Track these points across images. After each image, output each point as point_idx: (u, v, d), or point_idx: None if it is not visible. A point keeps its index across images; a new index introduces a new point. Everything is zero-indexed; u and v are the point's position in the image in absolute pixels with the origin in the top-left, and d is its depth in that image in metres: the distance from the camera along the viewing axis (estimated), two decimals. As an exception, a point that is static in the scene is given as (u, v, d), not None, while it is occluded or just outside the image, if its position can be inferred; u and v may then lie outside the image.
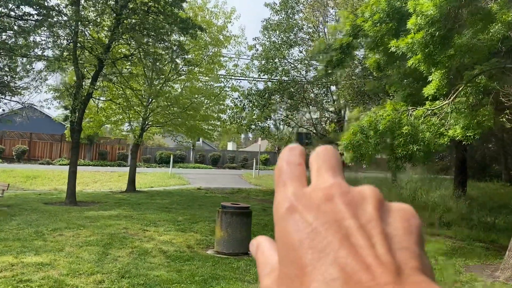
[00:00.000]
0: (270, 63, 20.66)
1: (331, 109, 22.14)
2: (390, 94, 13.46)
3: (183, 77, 14.56)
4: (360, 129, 8.55)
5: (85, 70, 13.17)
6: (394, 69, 11.03)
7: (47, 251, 7.12)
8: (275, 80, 21.17)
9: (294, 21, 21.34)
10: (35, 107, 21.67)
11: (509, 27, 7.74)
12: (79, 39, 12.62)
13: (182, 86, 15.07)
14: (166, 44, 12.19)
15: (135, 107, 15.61)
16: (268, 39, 21.02)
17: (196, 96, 15.37)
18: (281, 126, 21.61)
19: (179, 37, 13.21)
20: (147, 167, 35.90)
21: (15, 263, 6.29)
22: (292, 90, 19.23)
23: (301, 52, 21.20)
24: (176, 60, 12.53)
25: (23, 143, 33.57)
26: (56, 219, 10.15)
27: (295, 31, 21.28)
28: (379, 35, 10.27)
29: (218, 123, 16.84)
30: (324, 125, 22.33)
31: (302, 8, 21.30)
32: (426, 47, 7.37)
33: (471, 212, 12.76)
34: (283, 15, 21.33)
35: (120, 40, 13.12)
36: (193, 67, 14.59)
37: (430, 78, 8.51)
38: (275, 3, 21.02)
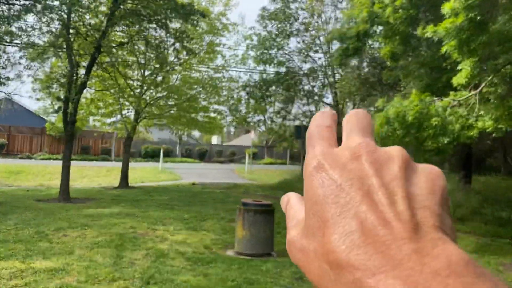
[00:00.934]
0: (265, 54, 20.11)
1: (328, 101, 21.74)
2: (402, 85, 13.08)
3: (180, 67, 13.79)
4: (387, 121, 8.08)
5: (79, 57, 12.33)
6: (411, 58, 10.60)
7: (55, 254, 6.42)
8: (271, 72, 20.64)
9: (290, 11, 20.79)
10: (15, 99, 20.57)
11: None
12: (73, 24, 11.78)
13: (179, 76, 14.30)
14: (168, 30, 11.44)
15: (130, 98, 14.82)
16: (265, 29, 20.44)
17: (195, 86, 14.64)
18: (277, 119, 21.09)
19: (181, 24, 12.45)
20: (131, 161, 34.93)
21: (24, 269, 5.59)
22: (292, 82, 18.70)
23: (298, 43, 20.67)
24: (178, 47, 11.78)
25: (1, 136, 32.16)
26: (55, 217, 9.39)
27: (291, 21, 20.74)
28: (398, 23, 9.82)
29: (216, 115, 16.15)
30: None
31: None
32: (463, 32, 6.91)
33: (481, 207, 12.49)
34: (279, 4, 20.75)
35: (116, 27, 12.31)
36: (191, 57, 13.86)
37: (459, 67, 8.09)
38: (271, -8, 20.42)
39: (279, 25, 20.37)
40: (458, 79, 7.93)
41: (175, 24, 12.39)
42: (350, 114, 0.38)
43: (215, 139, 56.57)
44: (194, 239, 8.00)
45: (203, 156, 40.46)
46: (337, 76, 20.58)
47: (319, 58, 20.72)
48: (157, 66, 11.58)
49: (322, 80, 20.91)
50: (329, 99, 21.69)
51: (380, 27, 11.09)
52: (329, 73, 20.13)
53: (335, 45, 19.19)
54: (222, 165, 36.28)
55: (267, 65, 20.41)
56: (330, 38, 10.28)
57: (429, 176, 0.32)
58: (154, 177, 21.68)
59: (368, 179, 0.31)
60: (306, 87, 21.00)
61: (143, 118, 16.11)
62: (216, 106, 15.55)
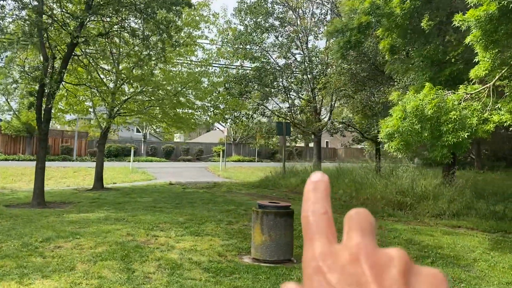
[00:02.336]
0: (242, 49, 19.48)
1: (305, 97, 21.39)
2: (395, 79, 12.85)
3: (164, 60, 12.88)
4: (405, 115, 7.70)
5: (55, 49, 11.22)
6: (414, 51, 10.32)
7: (55, 272, 5.55)
8: (247, 67, 20.03)
9: (266, 6, 20.24)
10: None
11: None
12: (48, 12, 10.69)
13: (162, 70, 13.39)
14: (155, 20, 10.58)
15: (105, 94, 13.76)
16: (241, 23, 19.78)
17: (178, 80, 13.76)
18: (255, 115, 20.51)
19: (164, 15, 11.60)
20: (94, 161, 33.29)
21: (26, 293, 4.73)
22: (271, 77, 18.18)
23: (277, 37, 20.14)
24: (164, 39, 10.92)
25: (-51, 136, 29.78)
26: (37, 226, 8.39)
27: (266, 17, 20.19)
28: (402, 14, 9.50)
29: (199, 112, 15.33)
30: (297, 114, 21.50)
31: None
32: (494, 21, 6.62)
33: (472, 201, 12.48)
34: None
35: (95, 17, 11.30)
36: (175, 49, 13.01)
37: (476, 59, 7.83)
38: (248, -16, 19.77)
39: (255, 20, 19.78)
40: (476, 71, 7.65)
41: (158, 15, 11.50)
42: (351, 212, 0.38)
43: (177, 137, 55.23)
44: (203, 246, 7.30)
45: (170, 154, 39.28)
46: (315, 71, 20.28)
47: (298, 53, 20.36)
48: (143, 57, 10.64)
49: (301, 77, 20.49)
50: (306, 96, 21.36)
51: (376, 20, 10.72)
52: (307, 69, 19.79)
53: (320, 42, 18.86)
54: (191, 163, 35.30)
55: (245, 61, 19.81)
56: (332, 29, 9.75)
57: (432, 281, 0.32)
58: (126, 177, 20.56)
59: (366, 286, 0.30)
60: (283, 83, 20.52)
61: (119, 115, 15.06)
62: (199, 102, 14.75)
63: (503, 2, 6.36)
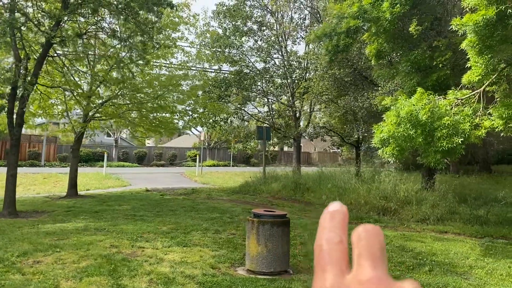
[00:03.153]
0: (220, 52, 19.18)
1: (284, 102, 21.25)
2: (378, 85, 12.81)
3: (145, 63, 12.41)
4: (399, 120, 7.59)
5: (29, 49, 10.61)
6: (400, 56, 10.28)
7: (38, 290, 5.09)
8: (226, 71, 19.75)
9: (245, 10, 20.01)
10: None
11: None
12: (21, 9, 10.09)
13: (139, 73, 12.89)
14: (136, 20, 10.15)
15: (80, 97, 13.16)
16: (220, 26, 19.46)
17: (156, 84, 13.29)
18: (234, 120, 20.19)
19: (145, 16, 11.19)
20: (64, 166, 32.13)
21: (9, 317, 4.27)
22: (251, 81, 17.93)
23: (256, 41, 19.93)
24: (146, 40, 10.49)
25: None
26: (10, 238, 7.81)
27: (245, 21, 19.97)
28: (391, 18, 9.43)
29: (179, 115, 14.87)
30: (276, 118, 21.31)
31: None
32: (491, 27, 6.58)
33: (454, 206, 12.55)
34: (234, 1, 19.90)
35: (73, 16, 10.77)
36: (153, 51, 12.56)
37: (468, 64, 7.82)
38: (227, -13, 19.48)
39: (234, 23, 19.52)
40: (469, 77, 7.63)
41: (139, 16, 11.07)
42: (360, 232, 0.36)
43: (149, 141, 54.19)
44: (194, 258, 6.93)
45: (142, 159, 38.38)
46: (294, 76, 20.17)
47: (277, 58, 20.20)
48: (124, 59, 10.17)
49: (280, 81, 20.34)
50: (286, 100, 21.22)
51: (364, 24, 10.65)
52: (287, 73, 19.65)
53: (299, 46, 18.74)
54: (165, 168, 34.59)
55: (223, 64, 19.51)
56: (320, 33, 9.59)
57: None
58: (100, 183, 19.82)
59: None
60: (262, 87, 20.31)
61: (94, 119, 14.44)
62: (180, 106, 14.31)
63: (501, 7, 6.33)
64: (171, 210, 11.91)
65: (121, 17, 10.51)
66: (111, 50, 13.32)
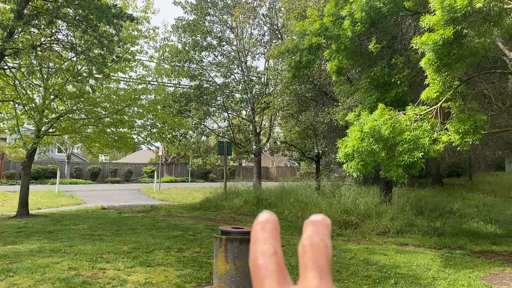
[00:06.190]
0: (179, 67, 19.01)
1: (244, 117, 21.26)
2: (338, 100, 13.08)
3: (104, 76, 12.02)
4: (363, 135, 7.74)
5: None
6: (361, 73, 10.55)
7: (-9, 320, 4.70)
8: (185, 85, 19.57)
9: (205, 25, 20.00)
10: None
11: (508, 32, 7.74)
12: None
13: (96, 87, 12.48)
14: (96, 33, 9.85)
15: (32, 111, 12.58)
16: (179, 40, 19.32)
17: (114, 97, 12.90)
18: (194, 135, 19.95)
19: (105, 28, 10.91)
20: (12, 184, 30.53)
21: None
22: (210, 96, 17.83)
23: (216, 56, 19.90)
24: (106, 54, 10.19)
25: None
26: (-44, 263, 7.23)
27: (205, 36, 19.96)
28: (351, 37, 9.69)
29: (139, 130, 14.45)
30: (235, 133, 21.27)
31: (224, 11, 20.03)
32: (448, 45, 6.88)
33: (412, 218, 12.92)
34: (193, 16, 19.85)
35: (28, 27, 10.35)
36: (113, 64, 12.23)
37: (427, 81, 8.13)
38: (187, 2, 19.42)
39: (194, 38, 19.44)
40: (428, 93, 7.92)
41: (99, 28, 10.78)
42: (305, 243, 0.34)
43: (101, 157, 52.56)
44: (158, 278, 6.68)
45: (96, 176, 37.11)
46: (255, 91, 20.28)
47: (237, 73, 20.24)
48: (82, 72, 9.80)
49: (240, 96, 20.38)
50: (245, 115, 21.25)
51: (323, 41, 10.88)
52: (247, 88, 19.72)
53: (258, 62, 18.88)
54: (121, 185, 33.56)
55: (183, 79, 19.31)
56: (283, 49, 9.70)
57: None
58: (52, 202, 18.92)
59: None
60: (222, 102, 20.26)
61: (47, 135, 13.80)
62: (139, 121, 13.94)
63: (457, 27, 6.64)
64: (130, 229, 11.50)
65: (79, 29, 10.18)
66: (65, 63, 12.86)
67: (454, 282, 6.98)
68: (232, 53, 20.16)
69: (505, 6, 7.06)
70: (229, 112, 21.06)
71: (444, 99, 8.43)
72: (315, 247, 0.34)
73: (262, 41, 21.42)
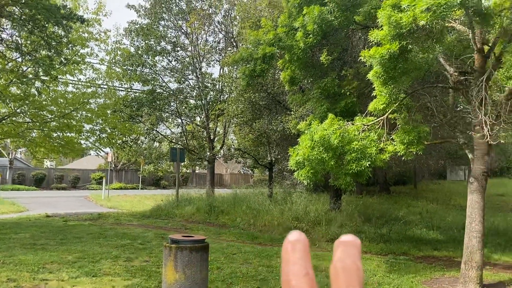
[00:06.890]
0: (131, 71, 18.66)
1: (198, 123, 21.14)
2: (291, 109, 13.29)
3: (50, 78, 11.55)
4: (314, 144, 7.91)
5: None
6: (312, 84, 10.80)
7: None
8: (138, 90, 19.22)
9: (159, 30, 19.77)
10: None
11: (449, 48, 8.21)
12: None
13: (43, 90, 11.98)
14: (43, 33, 9.49)
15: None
16: (132, 44, 18.96)
17: (63, 101, 12.44)
18: (144, 140, 19.58)
19: (54, 29, 10.54)
20: None
21: None
22: (163, 101, 17.60)
23: (170, 62, 19.68)
24: (54, 55, 9.83)
25: None
26: None
27: (159, 40, 19.72)
28: (304, 47, 9.91)
29: (87, 135, 13.96)
30: (189, 140, 21.07)
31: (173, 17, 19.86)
32: (393, 60, 7.20)
33: (360, 225, 13.31)
34: (147, 20, 19.57)
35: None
36: (60, 66, 11.80)
37: (374, 93, 8.44)
38: (140, 6, 19.12)
39: (147, 42, 19.15)
40: (375, 104, 8.23)
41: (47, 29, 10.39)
42: (338, 266, 0.37)
43: (47, 163, 50.34)
44: (105, 289, 6.47)
45: (41, 182, 35.48)
46: (209, 97, 20.21)
47: (191, 79, 20.11)
48: (27, 73, 9.38)
49: (194, 102, 20.23)
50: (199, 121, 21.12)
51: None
52: (202, 94, 19.63)
53: (213, 69, 18.88)
54: (67, 191, 32.28)
55: (135, 83, 18.96)
56: (238, 57, 9.78)
57: None
58: (-9, 209, 17.85)
59: None
60: (175, 108, 20.04)
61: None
62: (87, 126, 13.49)
63: (402, 42, 6.96)
64: (76, 237, 11.08)
65: (25, 29, 9.77)
66: (9, 64, 12.28)
67: (398, 287, 7.25)
68: (187, 59, 20.03)
69: (447, 24, 7.50)
70: (182, 118, 20.86)
71: (390, 110, 8.77)
72: (347, 270, 0.36)
73: (217, 48, 21.44)
